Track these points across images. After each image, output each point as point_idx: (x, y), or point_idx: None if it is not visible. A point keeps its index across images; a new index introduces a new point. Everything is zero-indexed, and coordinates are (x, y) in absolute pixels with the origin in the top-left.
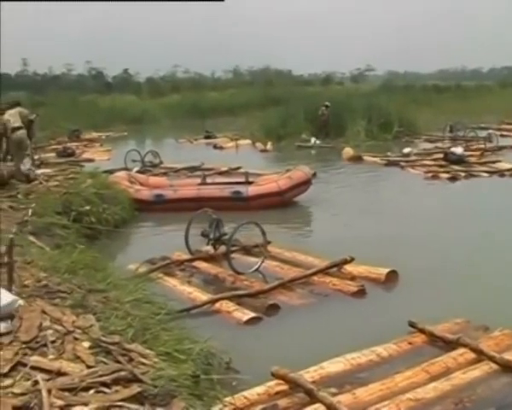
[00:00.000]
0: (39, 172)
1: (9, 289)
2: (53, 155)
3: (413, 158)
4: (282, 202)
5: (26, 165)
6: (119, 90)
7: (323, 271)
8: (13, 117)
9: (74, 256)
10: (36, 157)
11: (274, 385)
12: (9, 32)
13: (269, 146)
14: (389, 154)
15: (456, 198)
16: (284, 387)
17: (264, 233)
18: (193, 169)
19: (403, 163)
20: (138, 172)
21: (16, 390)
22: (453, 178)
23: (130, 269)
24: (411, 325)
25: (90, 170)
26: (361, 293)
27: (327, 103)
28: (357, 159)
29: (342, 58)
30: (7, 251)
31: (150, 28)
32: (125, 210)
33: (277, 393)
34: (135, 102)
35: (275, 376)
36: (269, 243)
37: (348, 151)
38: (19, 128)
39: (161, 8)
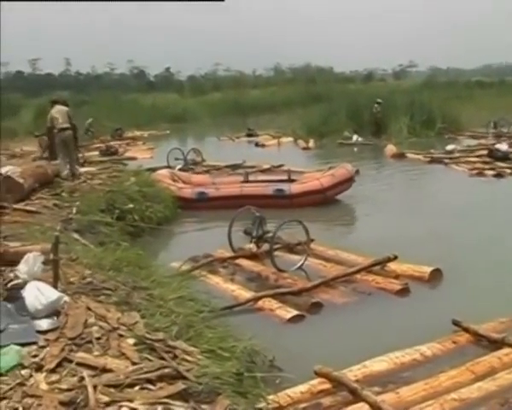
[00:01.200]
0: (83, 170)
1: (55, 286)
2: (96, 153)
3: (457, 155)
4: (324, 200)
5: (71, 163)
6: (161, 88)
7: (366, 269)
8: (62, 117)
9: (118, 254)
10: (79, 155)
11: (317, 384)
12: (52, 32)
13: (311, 144)
14: (432, 151)
15: (501, 196)
16: (327, 386)
17: (307, 231)
18: (235, 167)
19: (446, 160)
20: (181, 170)
21: (63, 386)
22: (499, 176)
23: (174, 267)
24: (455, 323)
25: (133, 168)
26: (404, 291)
27: (379, 100)
28: (400, 156)
29: (384, 55)
30: (52, 248)
31: (192, 27)
32: (168, 208)
33: (320, 391)
34: (176, 100)
35: (318, 374)
36: (312, 240)
37: (391, 148)
38: (66, 129)
39: (202, 7)
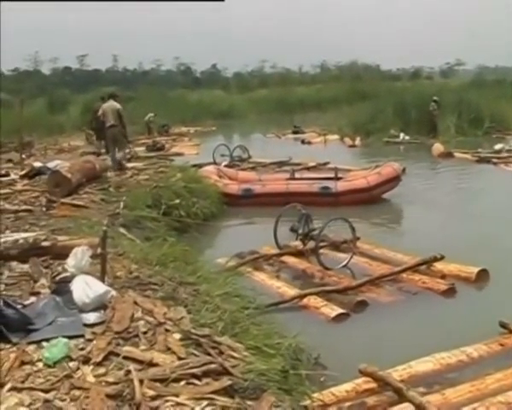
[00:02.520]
0: (129, 165)
1: (102, 280)
2: (143, 149)
3: (505, 155)
4: (370, 198)
5: (119, 155)
6: (207, 85)
7: (413, 268)
8: (112, 114)
9: (165, 249)
10: (127, 151)
11: (362, 383)
12: (99, 29)
13: (357, 141)
14: (480, 150)
15: None
16: (372, 385)
17: (353, 229)
18: (281, 164)
19: (495, 160)
20: (227, 166)
21: (109, 379)
22: None
23: (220, 263)
24: (502, 325)
25: (179, 164)
26: (451, 292)
27: (435, 98)
28: (447, 155)
29: (431, 52)
30: (100, 243)
31: (238, 23)
32: (214, 204)
33: (365, 391)
34: (223, 97)
35: (363, 373)
36: (357, 239)
37: (438, 147)
38: (114, 126)
39: (248, 3)
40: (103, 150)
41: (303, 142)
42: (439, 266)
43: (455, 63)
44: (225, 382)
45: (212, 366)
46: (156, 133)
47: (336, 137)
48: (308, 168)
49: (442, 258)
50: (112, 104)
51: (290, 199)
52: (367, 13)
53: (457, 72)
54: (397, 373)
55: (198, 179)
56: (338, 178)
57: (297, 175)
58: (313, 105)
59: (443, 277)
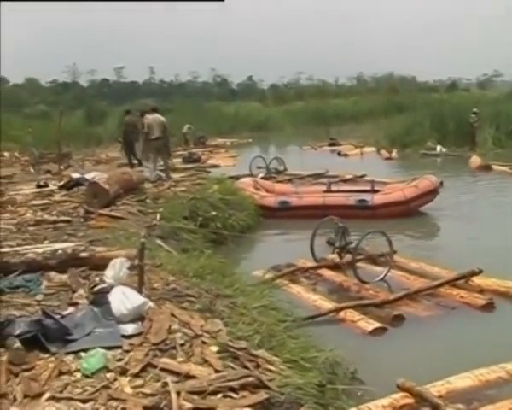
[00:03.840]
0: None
1: (140, 292)
2: (179, 160)
3: None
4: (407, 212)
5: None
6: (244, 97)
7: (450, 282)
8: (157, 126)
9: (202, 261)
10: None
11: (399, 398)
12: (137, 41)
13: (394, 154)
14: None
15: None
16: (410, 400)
17: (390, 243)
18: (317, 176)
19: None
20: (263, 178)
21: (146, 391)
22: None
23: (256, 275)
24: None
25: (216, 176)
26: (489, 307)
27: (475, 110)
28: (485, 168)
29: (468, 64)
30: (138, 254)
31: (274, 36)
32: (251, 216)
33: (403, 406)
34: (259, 108)
35: (400, 388)
36: (395, 252)
37: (476, 160)
38: (159, 138)
39: (285, 15)
40: (135, 161)
41: (339, 154)
42: (477, 280)
43: (492, 74)
44: (262, 395)
45: (249, 379)
46: (193, 145)
47: (373, 149)
48: (345, 181)
49: (480, 272)
50: (156, 117)
51: (327, 212)
52: (403, 24)
53: (495, 83)
54: (435, 389)
55: (235, 191)
56: (375, 191)
57: (333, 188)
58: (349, 117)
59: (481, 291)
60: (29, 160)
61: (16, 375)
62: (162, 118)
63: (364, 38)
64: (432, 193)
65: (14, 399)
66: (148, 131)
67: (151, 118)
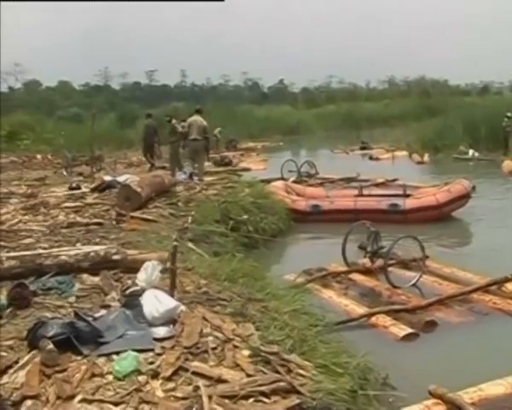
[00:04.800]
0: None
1: (172, 295)
2: (210, 163)
3: None
4: (439, 216)
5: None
6: (275, 100)
7: (483, 288)
8: (197, 128)
9: (233, 264)
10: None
11: (431, 404)
12: (168, 45)
13: (425, 158)
14: None
15: None
16: (441, 407)
17: (422, 247)
18: (349, 180)
19: None
20: (294, 182)
21: (178, 394)
22: None
23: (288, 279)
24: None
25: (247, 179)
26: None
27: (509, 114)
28: None
29: (501, 67)
30: (170, 257)
31: (305, 39)
32: (282, 220)
33: None
34: (290, 112)
35: (432, 395)
36: (427, 257)
37: (508, 164)
38: (197, 140)
39: (316, 19)
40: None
41: (371, 158)
42: (510, 286)
43: None
44: (294, 400)
45: (281, 383)
46: (224, 148)
47: (404, 153)
48: (376, 185)
49: None
50: (197, 119)
51: (358, 216)
52: (434, 27)
53: None
54: (467, 396)
55: (266, 195)
56: (407, 196)
57: (365, 192)
58: (381, 121)
59: None
60: (61, 162)
61: (49, 377)
62: (203, 121)
63: (396, 41)
64: (464, 198)
65: (47, 400)
66: (186, 132)
67: (192, 119)
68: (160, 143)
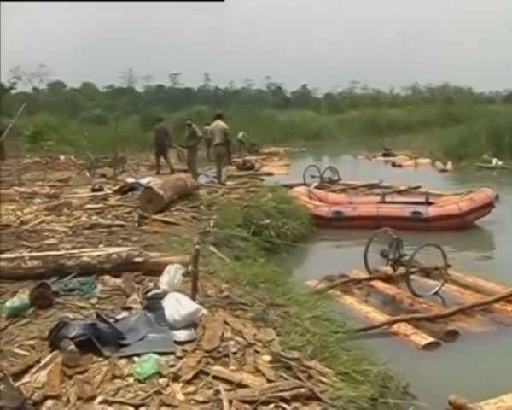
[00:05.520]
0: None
1: (193, 298)
2: (233, 167)
3: None
4: (462, 225)
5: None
6: (298, 105)
7: (506, 298)
8: (218, 133)
9: (255, 269)
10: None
11: None
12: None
13: (449, 166)
14: None
15: None
16: None
17: (444, 256)
18: (371, 187)
19: None
20: (317, 187)
21: (198, 398)
22: None
23: (309, 285)
24: None
25: (269, 184)
26: None
27: None
28: None
29: None
30: (192, 261)
31: (328, 44)
32: (304, 225)
33: None
34: (313, 117)
35: (452, 405)
36: (449, 266)
37: None
38: (220, 144)
39: (339, 24)
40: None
41: (393, 164)
42: None
43: None
44: (314, 407)
45: (302, 390)
46: (246, 152)
47: (427, 160)
48: (399, 192)
49: None
50: (219, 124)
51: (380, 223)
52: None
53: None
54: (488, 407)
55: (288, 200)
56: (429, 203)
57: (387, 199)
58: (404, 127)
59: None
60: (85, 163)
61: (70, 377)
62: (224, 125)
63: (420, 48)
64: (487, 206)
65: (68, 401)
66: (210, 138)
67: (214, 124)
68: (171, 145)
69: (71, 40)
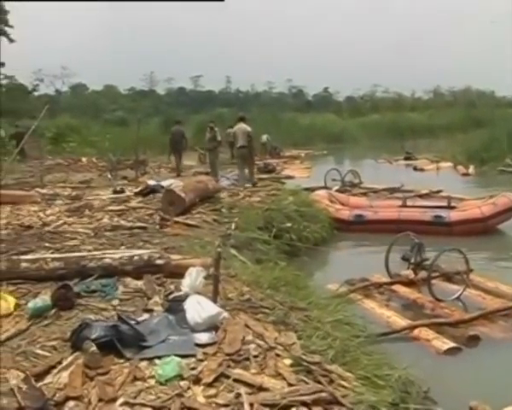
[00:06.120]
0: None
1: (215, 301)
2: (254, 170)
3: None
4: (484, 229)
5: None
6: (319, 108)
7: None
8: (242, 135)
9: (276, 272)
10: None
11: None
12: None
13: (471, 170)
14: None
15: None
16: None
17: (467, 261)
18: (393, 190)
19: None
20: (338, 191)
21: (219, 401)
22: None
23: (330, 289)
24: None
25: (291, 187)
26: None
27: None
28: None
29: None
30: (214, 264)
31: (349, 48)
32: (325, 229)
33: None
34: (334, 120)
35: None
36: (471, 271)
37: None
38: (244, 147)
39: (361, 28)
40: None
41: (415, 168)
42: None
43: None
44: None
45: (323, 394)
46: (268, 155)
47: (449, 164)
48: (420, 196)
49: None
50: (242, 126)
51: (402, 227)
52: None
53: None
54: None
55: (309, 203)
56: (451, 207)
57: (409, 202)
58: (425, 131)
59: None
60: (106, 165)
61: (91, 378)
62: (248, 127)
63: (442, 51)
64: (510, 211)
65: (89, 402)
66: (232, 140)
67: (237, 128)
68: (186, 148)
69: (93, 42)
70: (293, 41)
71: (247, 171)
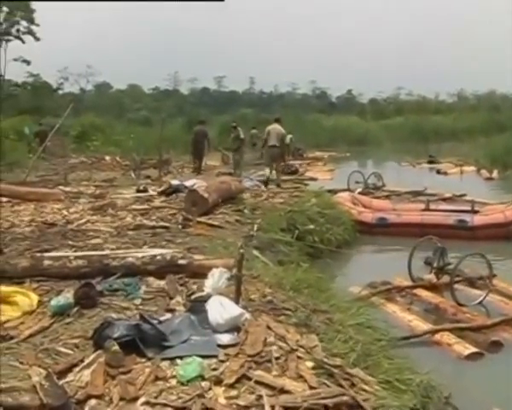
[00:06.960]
0: (263, 187)
1: (237, 302)
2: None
3: None
4: (508, 234)
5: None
6: (343, 110)
7: None
8: (274, 135)
9: (298, 274)
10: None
11: None
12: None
13: (494, 174)
14: None
15: None
16: None
17: (490, 265)
18: (416, 194)
19: None
20: (361, 193)
21: (240, 402)
22: None
23: (352, 291)
24: None
25: (314, 189)
26: None
27: None
28: None
29: None
30: (236, 264)
31: (373, 50)
32: (348, 231)
33: None
34: (358, 122)
35: None
36: (494, 276)
37: None
38: (275, 146)
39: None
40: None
41: (438, 172)
42: None
43: None
44: None
45: (344, 398)
46: (291, 156)
47: (473, 168)
48: (443, 199)
49: None
50: (276, 127)
51: (425, 230)
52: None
53: None
54: None
55: (332, 205)
56: (475, 212)
57: (432, 206)
58: (449, 134)
59: None
60: (130, 164)
61: (113, 377)
62: (282, 129)
63: (466, 54)
64: None
65: (111, 401)
66: (266, 139)
67: (271, 127)
68: (209, 149)
69: (118, 42)
70: (316, 43)
71: (272, 171)
